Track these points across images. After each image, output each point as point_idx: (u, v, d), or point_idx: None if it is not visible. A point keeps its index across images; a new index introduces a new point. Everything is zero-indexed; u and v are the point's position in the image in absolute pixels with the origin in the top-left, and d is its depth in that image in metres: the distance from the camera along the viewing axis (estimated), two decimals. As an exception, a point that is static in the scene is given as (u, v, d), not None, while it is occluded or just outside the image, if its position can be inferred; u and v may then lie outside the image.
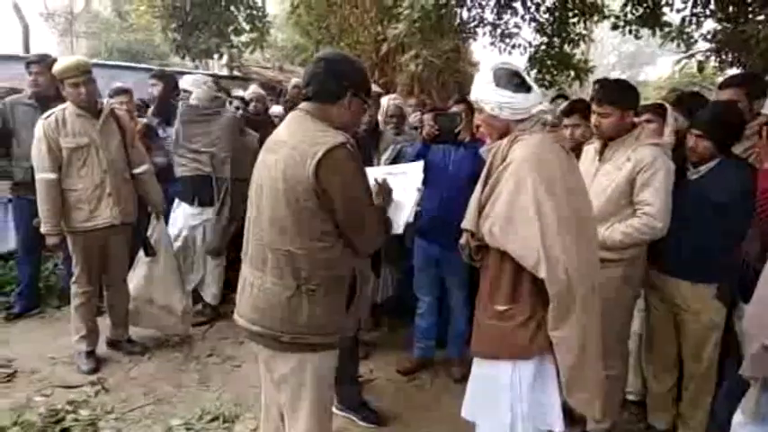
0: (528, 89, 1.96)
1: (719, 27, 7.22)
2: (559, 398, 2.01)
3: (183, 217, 4.16)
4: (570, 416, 2.96)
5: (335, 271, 1.94)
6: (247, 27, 9.47)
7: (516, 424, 1.98)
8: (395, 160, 3.63)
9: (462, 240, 2.11)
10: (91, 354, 3.59)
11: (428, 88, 10.39)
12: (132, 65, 9.70)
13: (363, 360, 3.75)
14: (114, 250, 3.58)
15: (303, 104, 2.00)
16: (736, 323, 2.63)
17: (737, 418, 2.12)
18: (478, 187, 2.04)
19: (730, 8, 6.83)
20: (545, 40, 8.43)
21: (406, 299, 3.96)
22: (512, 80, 1.95)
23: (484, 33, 8.41)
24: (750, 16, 6.32)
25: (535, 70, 8.60)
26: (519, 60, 8.78)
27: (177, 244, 4.12)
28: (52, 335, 3.98)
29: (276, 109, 5.33)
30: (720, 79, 4.40)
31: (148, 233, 3.73)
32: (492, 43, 8.57)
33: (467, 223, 2.06)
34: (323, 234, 1.89)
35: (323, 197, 1.84)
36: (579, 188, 2.04)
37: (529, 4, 8.16)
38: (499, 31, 8.38)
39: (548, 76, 8.60)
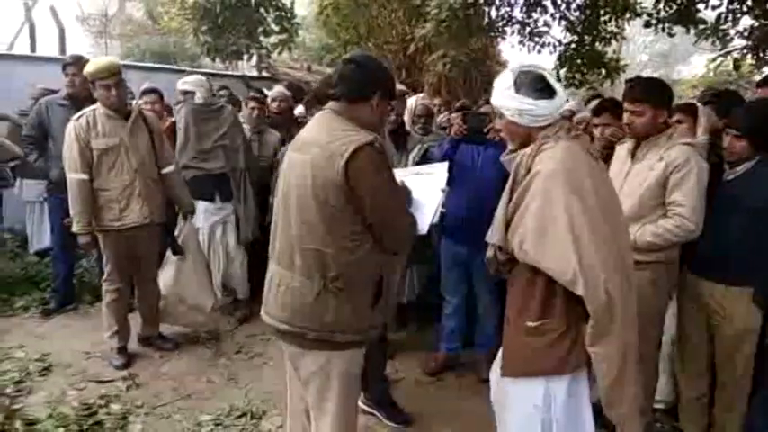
0: (551, 94, 1.85)
1: (756, 24, 7.02)
2: (591, 413, 1.93)
3: (203, 214, 4.18)
4: (601, 422, 2.95)
5: (363, 270, 1.95)
6: (276, 28, 9.57)
7: None
8: (422, 160, 3.63)
9: (489, 254, 2.01)
10: (122, 350, 3.67)
11: (455, 88, 10.35)
12: (164, 66, 9.89)
13: (389, 359, 3.76)
14: (144, 249, 3.64)
15: (331, 104, 2.02)
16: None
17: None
18: (504, 199, 1.95)
19: (767, 5, 6.63)
20: (575, 38, 8.33)
21: (432, 299, 3.95)
22: (534, 85, 1.84)
23: (513, 32, 8.34)
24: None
25: (565, 69, 8.50)
26: (548, 59, 8.69)
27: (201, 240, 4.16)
28: (86, 330, 4.08)
29: (300, 109, 5.36)
30: (758, 78, 4.28)
31: (176, 233, 3.78)
32: (521, 42, 8.50)
33: (493, 237, 1.96)
34: (352, 233, 1.90)
35: (352, 196, 1.86)
36: (611, 197, 1.94)
37: (559, 2, 8.07)
38: (528, 29, 8.31)
39: (578, 75, 8.50)
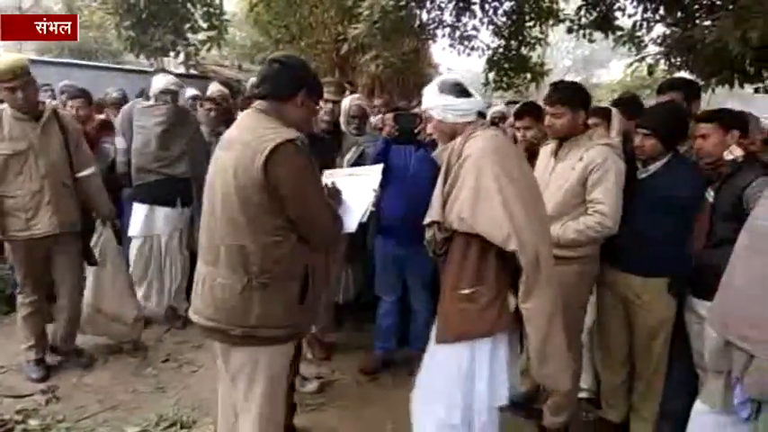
0: (468, 95, 2.16)
1: (669, 31, 7.48)
2: (509, 373, 2.14)
3: (163, 220, 4.05)
4: (529, 409, 3.07)
5: (288, 265, 1.98)
6: (204, 24, 9.30)
7: (474, 403, 2.09)
8: (357, 161, 3.64)
9: (428, 235, 2.20)
10: (40, 361, 3.46)
11: (389, 89, 10.42)
12: (85, 63, 9.41)
13: (325, 360, 3.76)
14: (58, 260, 3.39)
15: (257, 103, 2.06)
16: (685, 316, 2.72)
17: (697, 407, 2.22)
18: (439, 184, 2.17)
19: (679, 13, 7.09)
20: (502, 43, 8.56)
21: (367, 299, 3.97)
22: (453, 87, 2.16)
23: (443, 35, 8.48)
24: (697, 21, 6.58)
25: (493, 72, 8.73)
26: (478, 63, 8.90)
27: (158, 247, 4.07)
28: (0, 342, 3.82)
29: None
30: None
31: (92, 242, 3.54)
32: (451, 45, 8.65)
33: (432, 216, 2.16)
34: (276, 229, 1.94)
35: (273, 192, 1.89)
36: (531, 177, 2.22)
37: (487, 7, 8.26)
38: (458, 33, 8.47)
39: (505, 79, 8.74)
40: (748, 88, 6.36)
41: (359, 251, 3.75)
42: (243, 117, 2.10)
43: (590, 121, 3.08)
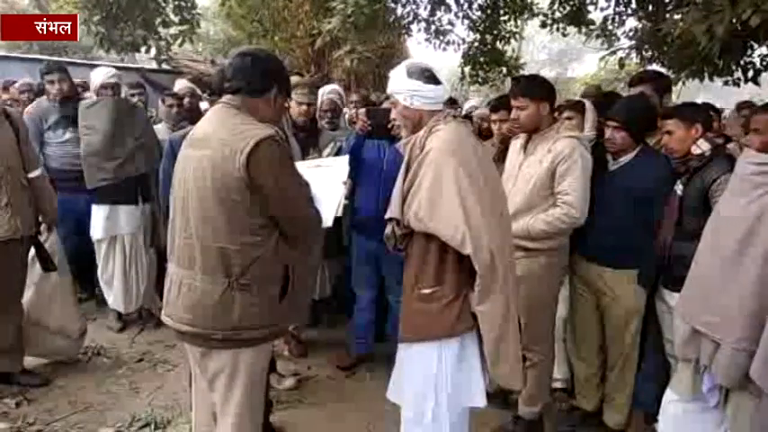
0: (437, 82, 2.10)
1: (640, 25, 7.60)
2: (482, 375, 2.13)
3: (125, 219, 3.95)
4: (505, 399, 3.10)
5: (270, 265, 1.93)
6: (176, 19, 9.13)
7: (441, 403, 2.08)
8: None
9: (388, 230, 2.18)
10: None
11: (365, 84, 10.39)
12: (53, 59, 9.17)
13: (302, 358, 3.75)
14: (5, 268, 3.05)
15: (227, 98, 1.99)
16: (657, 306, 2.77)
17: (668, 395, 2.27)
18: (400, 178, 2.13)
19: (650, 7, 7.20)
20: (478, 37, 8.60)
21: (344, 295, 3.96)
22: (422, 73, 2.08)
23: (419, 30, 8.49)
24: (668, 15, 6.68)
25: (469, 67, 8.77)
26: (453, 57, 8.93)
27: (123, 248, 3.98)
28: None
29: (206, 105, 5.17)
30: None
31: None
32: (427, 40, 8.66)
33: (392, 212, 2.14)
34: (257, 228, 1.89)
35: (254, 190, 1.84)
36: (493, 174, 2.18)
37: (462, 1, 8.29)
38: (433, 27, 8.48)
39: (481, 73, 8.79)
40: (718, 81, 6.48)
41: (335, 247, 3.73)
42: (212, 113, 2.02)
43: (565, 115, 3.11)
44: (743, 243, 1.93)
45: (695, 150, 2.54)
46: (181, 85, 4.80)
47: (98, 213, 3.92)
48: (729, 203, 2.08)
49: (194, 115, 4.61)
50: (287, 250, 1.98)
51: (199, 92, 5.02)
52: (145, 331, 4.08)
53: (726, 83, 6.46)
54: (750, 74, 6.16)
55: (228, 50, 12.43)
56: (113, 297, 4.05)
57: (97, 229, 3.93)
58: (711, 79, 6.35)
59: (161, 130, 4.27)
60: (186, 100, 4.67)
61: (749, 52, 5.97)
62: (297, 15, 9.89)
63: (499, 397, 3.05)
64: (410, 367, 2.16)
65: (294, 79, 3.59)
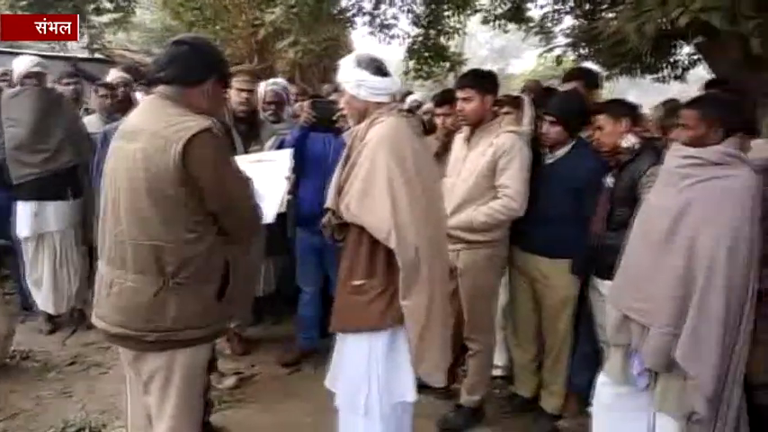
0: (385, 74, 2.10)
1: (576, 23, 7.84)
2: (412, 370, 2.14)
3: (53, 216, 3.75)
4: (446, 389, 3.14)
5: (208, 262, 1.87)
6: (110, 6, 8.74)
7: (372, 395, 2.10)
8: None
9: (324, 219, 2.20)
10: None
11: (309, 76, 10.26)
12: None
13: (244, 356, 3.68)
14: None
15: (161, 88, 1.91)
16: (589, 294, 2.87)
17: (601, 379, 2.36)
18: (338, 167, 2.16)
19: (586, 6, 7.44)
20: (421, 31, 8.65)
21: (288, 291, 3.91)
22: (371, 64, 2.09)
23: (363, 23, 8.46)
24: (602, 14, 6.93)
25: (413, 61, 8.81)
26: (398, 51, 8.95)
27: (52, 246, 3.77)
28: None
29: (139, 95, 4.98)
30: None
31: None
32: (371, 33, 8.64)
33: (328, 203, 2.16)
34: (194, 224, 1.83)
35: (191, 185, 1.78)
36: (429, 169, 2.20)
37: (406, -5, 8.31)
38: (378, 21, 8.46)
39: (425, 67, 8.84)
40: (647, 78, 6.78)
41: (279, 243, 3.68)
42: (145, 104, 1.95)
43: (504, 110, 3.19)
44: (669, 233, 2.04)
45: (624, 144, 2.64)
46: (114, 74, 4.60)
47: (24, 210, 3.70)
48: (658, 195, 2.18)
49: (128, 106, 4.42)
50: (226, 247, 1.93)
51: (133, 82, 4.82)
52: (77, 333, 3.91)
53: (655, 80, 6.77)
54: (677, 71, 6.49)
55: (166, 40, 12.01)
56: (42, 298, 3.86)
57: (23, 227, 3.72)
58: (642, 76, 6.65)
59: (94, 121, 4.11)
60: (120, 90, 4.49)
61: (676, 51, 6.29)
62: (239, 5, 9.64)
63: (440, 388, 3.09)
64: (344, 357, 2.18)
65: (234, 68, 3.51)
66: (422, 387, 2.24)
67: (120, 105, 4.32)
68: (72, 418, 2.93)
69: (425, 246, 1.99)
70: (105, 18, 8.77)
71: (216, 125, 1.83)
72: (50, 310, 3.90)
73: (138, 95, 4.91)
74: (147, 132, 1.79)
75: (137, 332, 1.85)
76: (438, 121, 3.54)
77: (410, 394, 2.14)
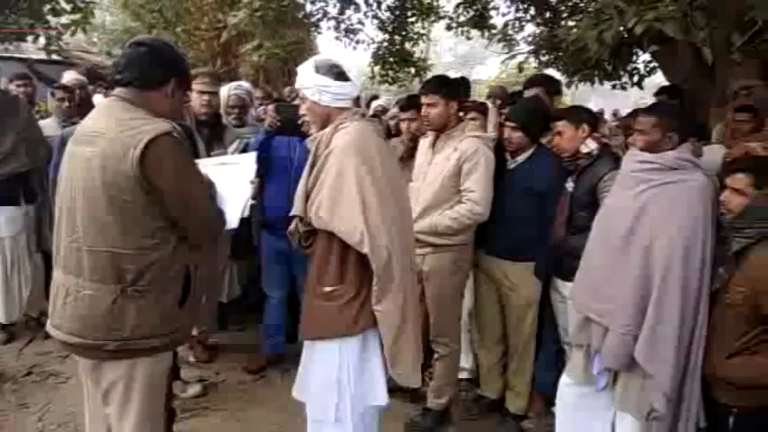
0: (346, 79, 2.07)
1: (538, 31, 8.02)
2: (384, 373, 2.13)
3: (4, 222, 3.63)
4: (414, 393, 3.15)
5: (168, 269, 1.83)
6: (68, 7, 8.47)
7: (343, 402, 2.08)
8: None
9: (291, 227, 2.17)
10: None
11: (273, 79, 10.19)
12: None
13: (209, 363, 3.62)
14: None
15: (119, 90, 1.87)
16: (551, 296, 2.93)
17: (564, 379, 2.41)
18: (305, 174, 2.13)
19: (547, 14, 7.61)
20: (387, 37, 8.69)
21: (253, 297, 3.86)
22: (331, 69, 2.06)
23: (328, 27, 8.45)
24: (563, 22, 7.10)
25: (379, 66, 8.85)
26: (364, 56, 8.97)
27: (2, 252, 3.65)
28: None
29: (99, 97, 4.87)
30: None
31: None
32: (337, 38, 8.64)
33: (295, 210, 2.13)
34: (154, 230, 1.78)
35: (150, 189, 1.74)
36: (396, 174, 2.20)
37: (371, 1, 8.34)
38: (343, 26, 8.47)
39: (390, 72, 8.89)
40: (607, 85, 6.97)
41: (244, 248, 3.64)
42: (102, 107, 1.89)
43: (470, 116, 3.23)
44: (627, 236, 2.10)
45: (584, 149, 2.71)
46: (70, 76, 4.48)
47: None
48: (616, 199, 2.25)
49: (86, 109, 4.32)
50: (187, 253, 1.89)
51: (90, 84, 4.71)
52: (34, 342, 3.78)
53: (614, 86, 6.96)
54: (635, 78, 6.69)
55: (126, 42, 11.75)
56: None
57: None
58: (601, 83, 6.83)
59: (51, 125, 4.00)
60: (77, 93, 4.37)
61: (635, 59, 6.49)
62: (201, 7, 9.52)
63: (408, 391, 3.10)
64: (313, 366, 2.14)
65: (195, 70, 3.46)
66: (390, 390, 2.22)
67: (79, 109, 4.22)
68: (29, 430, 2.83)
69: (397, 248, 1.99)
70: (64, 19, 8.49)
71: (176, 129, 1.80)
72: (2, 319, 3.77)
73: (99, 98, 4.81)
74: (105, 137, 1.75)
75: (95, 341, 1.80)
76: (403, 126, 3.57)
77: (381, 398, 2.13)
